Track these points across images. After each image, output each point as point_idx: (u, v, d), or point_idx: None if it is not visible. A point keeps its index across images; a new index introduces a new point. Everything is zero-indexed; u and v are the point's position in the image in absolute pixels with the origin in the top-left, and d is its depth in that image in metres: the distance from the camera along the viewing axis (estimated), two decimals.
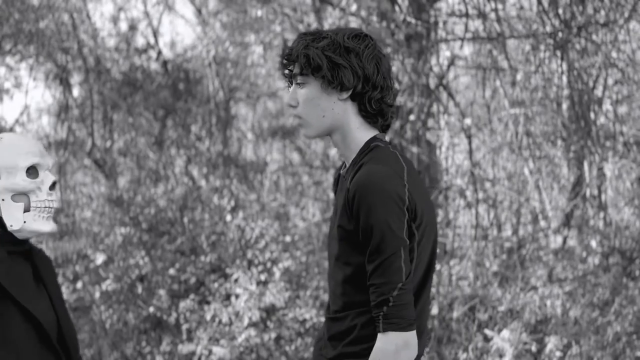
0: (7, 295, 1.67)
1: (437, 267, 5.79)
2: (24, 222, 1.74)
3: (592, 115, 6.30)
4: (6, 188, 1.72)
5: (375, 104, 1.75)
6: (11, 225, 1.73)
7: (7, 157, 1.72)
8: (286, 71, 1.80)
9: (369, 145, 1.76)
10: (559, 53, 6.21)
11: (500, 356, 4.53)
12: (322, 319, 5.39)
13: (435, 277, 5.55)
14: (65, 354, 1.80)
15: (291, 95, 1.79)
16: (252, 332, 5.20)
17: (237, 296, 5.58)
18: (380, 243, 1.63)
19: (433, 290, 5.29)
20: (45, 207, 1.78)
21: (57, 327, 1.80)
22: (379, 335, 1.67)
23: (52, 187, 1.81)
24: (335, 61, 1.70)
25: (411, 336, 1.66)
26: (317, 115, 1.76)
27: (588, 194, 6.44)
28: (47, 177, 1.79)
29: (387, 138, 1.84)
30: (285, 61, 1.79)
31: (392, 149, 1.77)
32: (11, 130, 12.20)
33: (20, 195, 1.74)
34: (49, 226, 1.78)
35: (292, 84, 1.81)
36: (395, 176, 1.65)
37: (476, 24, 6.78)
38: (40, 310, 1.74)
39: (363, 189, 1.63)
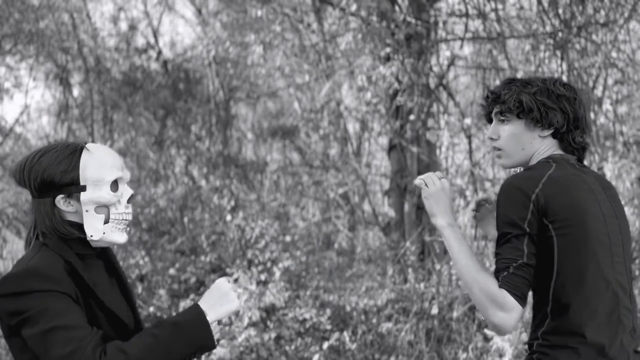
0: (92, 297, 1.75)
1: (437, 267, 5.79)
2: (103, 233, 1.82)
3: (592, 115, 6.30)
4: (91, 200, 1.80)
5: (577, 142, 2.00)
6: (91, 236, 1.81)
7: (95, 170, 1.80)
8: (490, 110, 2.05)
9: (538, 162, 2.00)
10: (559, 53, 6.21)
11: (500, 356, 4.53)
12: (322, 319, 5.40)
13: (435, 277, 5.55)
14: None
15: (493, 129, 2.06)
16: (252, 331, 5.20)
17: (237, 296, 5.58)
18: (501, 228, 1.87)
19: (433, 290, 5.30)
20: (122, 220, 1.85)
21: (134, 321, 1.90)
22: (503, 291, 1.82)
23: (130, 200, 1.89)
24: (547, 104, 1.96)
25: (519, 309, 1.80)
26: (517, 148, 2.02)
27: None
28: (126, 191, 1.86)
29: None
30: (492, 102, 2.04)
31: (553, 162, 1.96)
32: (11, 130, 12.21)
33: (102, 207, 1.82)
34: (123, 238, 1.87)
35: (490, 120, 2.08)
36: (526, 179, 1.89)
37: (476, 24, 6.78)
38: (118, 308, 1.82)
39: (499, 191, 1.93)
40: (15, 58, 11.27)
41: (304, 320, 5.42)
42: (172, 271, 6.29)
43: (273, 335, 5.25)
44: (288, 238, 6.38)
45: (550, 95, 1.98)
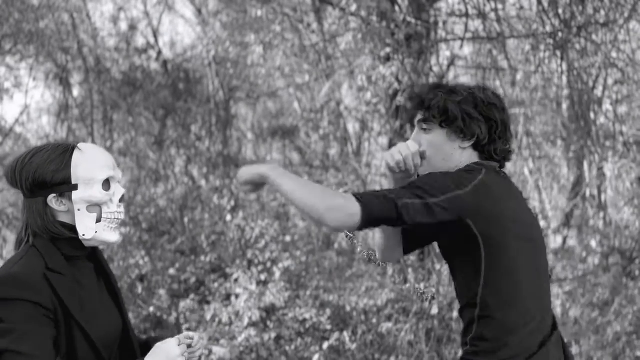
0: (70, 315, 1.74)
1: (437, 267, 5.78)
2: (95, 232, 1.83)
3: (592, 115, 6.30)
4: (83, 199, 1.81)
5: (500, 152, 1.96)
6: (84, 235, 1.82)
7: (87, 169, 1.80)
8: (416, 116, 1.98)
9: (467, 166, 1.95)
10: (559, 53, 6.21)
11: None
12: (322, 319, 5.40)
13: (435, 277, 5.54)
14: (131, 351, 1.90)
15: (415, 137, 1.99)
16: (252, 331, 5.20)
17: (237, 296, 5.59)
18: (434, 176, 1.86)
19: (433, 290, 5.30)
20: (115, 219, 1.86)
21: (124, 327, 1.89)
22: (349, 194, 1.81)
23: (122, 199, 1.90)
24: (471, 115, 1.91)
25: (355, 207, 1.74)
26: (437, 159, 1.96)
27: (588, 193, 6.44)
28: (118, 190, 1.87)
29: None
30: (416, 107, 1.98)
31: (483, 167, 1.90)
32: (11, 130, 12.21)
33: (94, 206, 1.83)
34: (115, 236, 1.88)
35: (414, 127, 2.01)
36: (458, 176, 1.85)
37: (476, 24, 6.78)
38: (99, 325, 1.80)
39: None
40: (15, 58, 11.27)
41: (304, 320, 5.42)
42: (172, 271, 6.29)
43: (273, 335, 5.25)
44: (288, 238, 6.38)
45: (477, 105, 1.92)
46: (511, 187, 1.93)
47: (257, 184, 1.92)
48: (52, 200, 1.79)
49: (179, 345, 1.79)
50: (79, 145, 1.84)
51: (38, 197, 1.80)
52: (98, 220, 1.83)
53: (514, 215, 1.86)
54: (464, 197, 1.79)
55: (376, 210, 1.76)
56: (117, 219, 1.87)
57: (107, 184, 1.84)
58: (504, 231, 1.83)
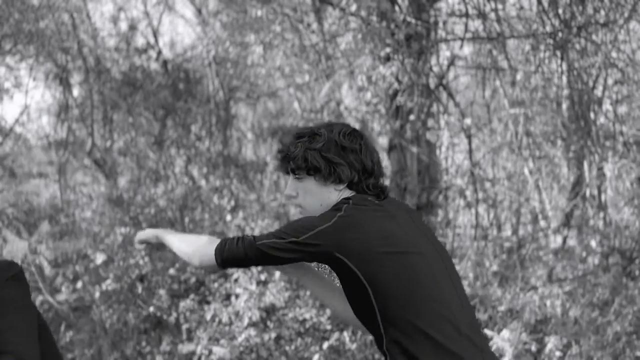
0: None
1: None
2: None
3: (592, 115, 6.30)
4: None
5: (372, 188, 1.97)
6: None
7: None
8: (284, 168, 2.02)
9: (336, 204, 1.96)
10: (559, 53, 6.21)
11: (500, 356, 4.53)
12: (322, 319, 5.40)
13: None
14: None
15: (290, 186, 2.01)
16: (252, 332, 5.20)
17: (237, 296, 5.59)
18: (287, 225, 1.92)
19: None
20: None
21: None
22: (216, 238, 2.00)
23: None
24: (333, 160, 1.92)
25: (211, 249, 1.95)
26: (315, 204, 1.98)
27: (588, 194, 6.44)
28: None
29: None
30: (282, 159, 2.00)
31: (350, 200, 1.92)
32: (11, 130, 12.21)
33: None
34: None
35: (288, 174, 2.02)
36: (320, 218, 1.88)
37: (476, 24, 6.78)
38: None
39: None
40: (15, 58, 11.26)
41: (304, 320, 5.42)
42: (172, 271, 6.29)
43: (273, 335, 5.25)
44: None
45: (337, 150, 1.93)
46: (382, 209, 1.91)
47: (151, 243, 2.22)
48: None
49: None
50: None
51: None
52: None
53: (385, 234, 1.84)
54: (326, 230, 1.82)
55: (226, 252, 1.92)
56: None
57: None
58: (377, 255, 1.81)
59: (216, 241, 1.96)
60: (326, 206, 1.96)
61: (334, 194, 1.96)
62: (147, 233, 2.20)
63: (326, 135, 1.94)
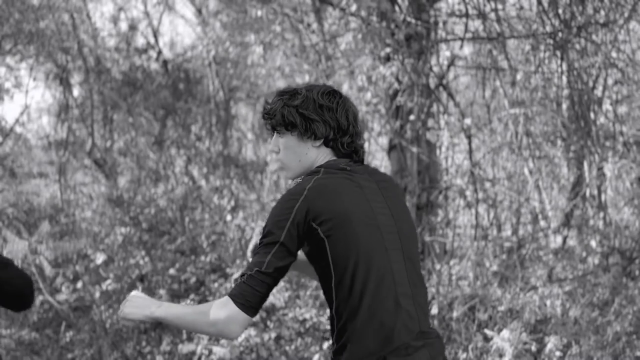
0: None
1: (437, 267, 5.79)
2: None
3: (592, 115, 6.30)
4: None
5: (347, 147, 2.06)
6: None
7: None
8: (267, 125, 2.10)
9: (310, 172, 2.06)
10: (558, 53, 6.21)
11: (500, 356, 4.53)
12: (322, 319, 5.40)
13: (435, 277, 5.55)
14: None
15: (274, 142, 2.10)
16: (252, 331, 5.20)
17: None
18: (262, 237, 1.95)
19: (433, 290, 5.30)
20: None
21: None
22: (224, 297, 1.92)
23: None
24: (309, 117, 2.01)
25: (243, 317, 1.89)
26: (294, 160, 2.07)
27: (588, 194, 6.44)
28: None
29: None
30: (264, 116, 2.09)
31: (323, 168, 2.02)
32: (11, 130, 12.21)
33: None
34: None
35: (273, 133, 2.11)
36: (294, 192, 1.94)
37: (476, 24, 6.78)
38: None
39: None
40: (15, 58, 11.27)
41: (304, 320, 5.42)
42: (172, 271, 6.29)
43: (273, 335, 5.25)
44: None
45: (314, 106, 2.02)
46: (351, 179, 2.00)
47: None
48: None
49: None
50: None
51: None
52: None
53: (346, 205, 1.93)
54: (301, 205, 1.90)
55: (250, 301, 1.90)
56: None
57: None
58: (337, 222, 1.90)
59: (226, 304, 1.90)
60: (304, 163, 2.06)
61: (312, 151, 2.05)
62: (142, 313, 2.03)
63: (305, 93, 2.04)
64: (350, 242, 1.91)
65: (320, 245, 1.91)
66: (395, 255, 1.97)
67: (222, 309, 1.89)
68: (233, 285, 1.93)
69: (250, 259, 2.01)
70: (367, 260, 1.91)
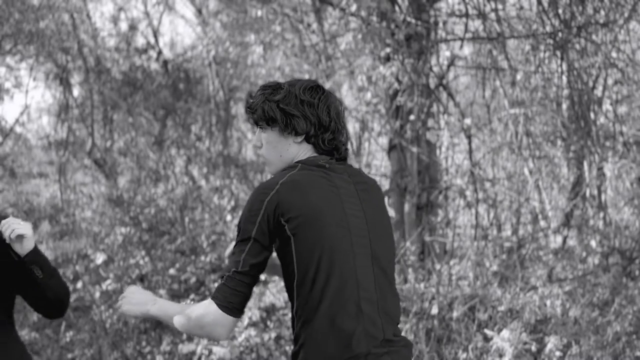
0: None
1: (437, 267, 5.79)
2: None
3: (592, 115, 6.30)
4: None
5: (328, 143, 2.02)
6: None
7: None
8: (249, 119, 2.09)
9: (288, 166, 2.03)
10: (558, 53, 6.21)
11: (500, 356, 4.53)
12: None
13: (435, 277, 5.55)
14: None
15: (257, 137, 2.08)
16: (252, 331, 5.20)
17: None
18: (236, 235, 1.93)
19: (433, 290, 5.30)
20: None
21: None
22: (207, 300, 1.92)
23: None
24: (290, 112, 1.98)
25: (227, 319, 1.89)
26: (275, 156, 2.05)
27: (588, 194, 6.44)
28: None
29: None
30: (247, 110, 2.07)
31: (301, 164, 1.99)
32: (11, 130, 12.21)
33: None
34: None
35: (256, 127, 2.09)
36: (266, 185, 1.92)
37: (476, 24, 6.78)
38: None
39: None
40: (15, 58, 11.27)
41: None
42: (172, 271, 6.29)
43: (273, 335, 5.25)
44: None
45: (295, 102, 1.99)
46: (327, 178, 1.97)
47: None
48: None
49: None
50: None
51: None
52: None
53: (318, 204, 1.90)
54: (271, 199, 1.88)
55: (232, 302, 1.89)
56: None
57: None
58: (306, 221, 1.87)
59: (209, 307, 1.90)
60: (285, 159, 2.03)
61: (293, 147, 2.02)
62: (139, 310, 2.05)
63: (287, 88, 2.01)
64: (316, 242, 1.87)
65: (286, 243, 1.88)
66: (362, 260, 1.92)
67: (206, 313, 1.89)
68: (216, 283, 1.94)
69: (227, 260, 1.98)
70: (331, 262, 1.86)
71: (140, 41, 12.84)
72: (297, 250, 1.87)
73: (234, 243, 1.95)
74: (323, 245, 1.87)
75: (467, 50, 7.86)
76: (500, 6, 6.29)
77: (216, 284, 1.97)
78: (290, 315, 5.37)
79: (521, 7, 6.48)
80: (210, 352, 5.10)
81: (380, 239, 1.99)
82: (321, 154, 2.03)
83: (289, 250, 1.89)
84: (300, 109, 1.98)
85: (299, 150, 2.02)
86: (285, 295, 5.50)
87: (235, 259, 1.89)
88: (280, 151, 2.03)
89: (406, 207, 6.69)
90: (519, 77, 6.46)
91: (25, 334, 5.76)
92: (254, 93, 2.09)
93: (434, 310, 5.05)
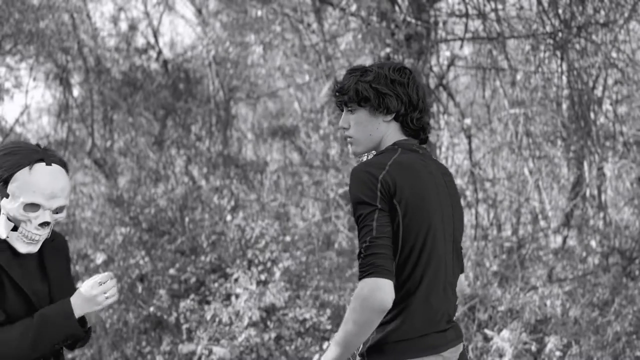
0: (4, 274, 2.00)
1: None
2: (7, 237, 2.03)
3: (592, 115, 6.30)
4: (5, 208, 2.02)
5: (417, 122, 2.11)
6: None
7: (19, 187, 1.99)
8: (338, 102, 2.16)
9: (385, 148, 2.11)
10: (558, 53, 6.21)
11: (500, 356, 4.53)
12: (322, 319, 5.40)
13: None
14: None
15: (344, 119, 2.16)
16: (252, 331, 5.20)
17: (237, 296, 5.59)
18: (355, 211, 1.95)
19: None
20: (30, 238, 2.03)
21: (49, 300, 2.10)
22: (359, 283, 1.92)
23: (45, 224, 2.05)
24: (382, 91, 2.06)
25: (382, 281, 1.86)
26: (365, 135, 2.12)
27: (588, 194, 6.44)
28: (42, 216, 2.02)
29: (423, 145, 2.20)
30: (337, 93, 2.15)
31: (399, 147, 2.07)
32: (11, 130, 12.20)
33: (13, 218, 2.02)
34: (25, 249, 2.04)
35: (342, 110, 2.17)
36: (374, 164, 1.97)
37: (476, 24, 6.78)
38: (28, 284, 2.04)
39: (349, 178, 2.00)
40: (15, 58, 11.26)
41: (304, 320, 5.42)
42: (172, 271, 6.29)
43: (273, 335, 5.25)
44: (288, 238, 6.38)
45: (386, 82, 2.07)
46: (424, 165, 2.05)
47: None
48: None
49: (98, 284, 2.05)
50: (37, 165, 2.01)
51: None
52: (14, 230, 2.02)
53: (428, 190, 1.99)
54: (385, 177, 1.93)
55: (388, 263, 1.89)
56: (33, 239, 2.03)
57: (31, 207, 2.01)
58: (421, 205, 1.95)
59: (359, 288, 1.88)
60: (375, 137, 2.11)
61: (382, 126, 2.10)
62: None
63: (376, 70, 2.09)
64: (422, 225, 1.95)
65: (392, 220, 1.93)
66: (449, 246, 2.06)
67: (360, 290, 1.87)
68: (359, 265, 1.92)
69: (358, 239, 1.97)
70: (433, 246, 1.97)
71: (140, 41, 12.84)
72: (404, 230, 1.94)
73: (357, 218, 1.94)
74: (428, 229, 1.97)
75: (467, 50, 7.87)
76: (500, 6, 6.29)
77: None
78: (292, 314, 5.37)
79: (521, 7, 6.48)
80: (210, 352, 5.10)
81: (459, 228, 2.14)
82: (409, 134, 2.12)
83: (396, 229, 1.94)
84: (392, 87, 2.06)
85: (388, 129, 2.11)
86: (286, 295, 5.50)
87: (367, 230, 1.91)
88: (370, 130, 2.10)
89: None
90: (519, 77, 6.46)
91: None
92: (340, 78, 2.17)
93: None
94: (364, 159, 2.27)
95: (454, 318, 2.15)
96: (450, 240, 2.07)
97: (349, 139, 2.17)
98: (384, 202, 1.92)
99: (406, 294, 1.96)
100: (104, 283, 2.07)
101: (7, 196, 2.00)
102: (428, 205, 1.98)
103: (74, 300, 2.03)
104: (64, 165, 2.09)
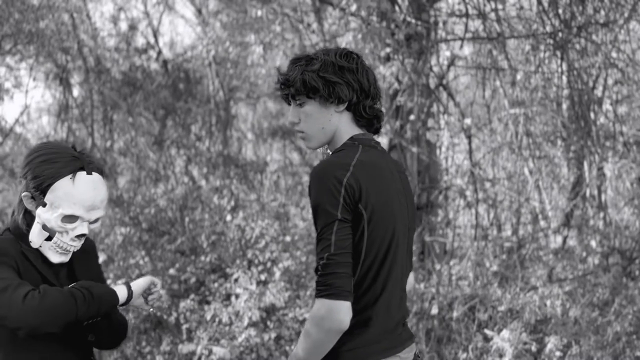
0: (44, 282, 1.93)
1: (437, 267, 5.79)
2: (40, 246, 1.96)
3: (592, 115, 6.30)
4: (41, 217, 1.94)
5: (369, 110, 1.98)
6: (30, 241, 1.96)
7: (59, 197, 1.92)
8: (284, 95, 2.01)
9: (344, 144, 1.98)
10: (559, 53, 6.21)
11: (500, 356, 4.53)
12: None
13: (435, 277, 5.55)
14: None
15: (292, 113, 2.01)
16: (252, 332, 5.20)
17: (237, 296, 5.59)
18: (314, 217, 1.84)
19: (433, 290, 5.30)
20: (64, 248, 1.97)
21: None
22: (316, 301, 1.84)
23: (82, 235, 1.98)
24: (331, 80, 1.91)
25: (339, 304, 1.79)
26: (317, 128, 1.98)
27: (588, 194, 6.44)
28: (80, 228, 1.96)
29: (380, 138, 2.02)
30: (282, 86, 1.99)
31: (359, 143, 1.95)
32: (11, 130, 12.20)
33: (49, 228, 1.95)
34: (57, 259, 1.98)
35: (290, 103, 2.02)
36: (336, 164, 1.85)
37: (476, 24, 6.78)
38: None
39: (310, 179, 1.87)
40: (15, 58, 11.27)
41: (304, 320, 5.42)
42: (172, 271, 6.29)
43: (273, 335, 5.25)
44: (288, 238, 6.38)
45: (334, 69, 1.92)
46: (385, 163, 1.97)
47: None
48: (25, 195, 1.96)
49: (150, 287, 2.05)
50: (78, 175, 1.93)
51: (24, 187, 1.97)
52: (48, 239, 1.95)
53: (391, 192, 1.91)
54: (349, 180, 1.82)
55: (346, 284, 1.81)
56: (67, 250, 1.97)
57: (69, 218, 1.93)
58: (384, 208, 1.87)
59: (315, 308, 1.81)
60: (327, 130, 1.98)
61: (335, 117, 1.96)
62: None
63: (322, 57, 1.94)
64: (388, 230, 1.87)
65: (357, 224, 1.84)
66: (404, 249, 1.97)
67: (317, 311, 1.80)
68: (315, 281, 1.84)
69: (316, 251, 1.88)
70: (395, 252, 1.90)
71: (140, 41, 12.84)
72: (368, 239, 1.85)
73: (316, 227, 1.85)
74: (392, 236, 1.89)
75: (467, 50, 7.87)
76: (500, 6, 6.29)
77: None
78: (292, 314, 5.37)
79: (521, 7, 6.48)
80: (210, 352, 5.10)
81: (413, 228, 2.04)
82: (362, 124, 1.99)
83: (359, 239, 1.84)
84: (340, 75, 1.92)
85: (340, 120, 1.97)
86: (286, 295, 5.50)
87: (325, 244, 1.80)
88: (322, 123, 1.96)
89: None
90: (519, 77, 6.46)
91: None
92: (284, 70, 2.01)
93: (434, 311, 5.05)
94: (322, 151, 2.11)
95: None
96: (405, 243, 1.98)
97: (300, 134, 2.03)
98: (347, 210, 1.81)
99: (365, 306, 1.88)
100: (155, 286, 2.06)
101: (44, 205, 1.93)
102: (392, 208, 1.89)
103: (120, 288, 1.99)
104: (101, 172, 2.02)
